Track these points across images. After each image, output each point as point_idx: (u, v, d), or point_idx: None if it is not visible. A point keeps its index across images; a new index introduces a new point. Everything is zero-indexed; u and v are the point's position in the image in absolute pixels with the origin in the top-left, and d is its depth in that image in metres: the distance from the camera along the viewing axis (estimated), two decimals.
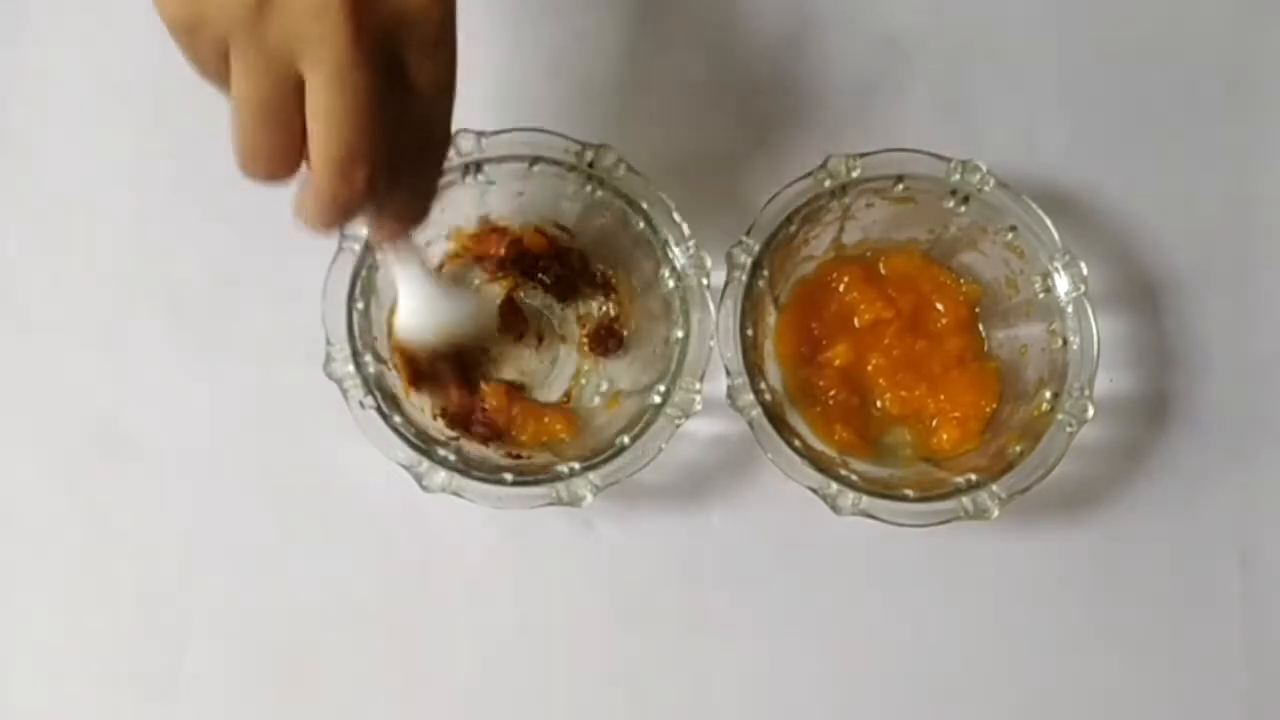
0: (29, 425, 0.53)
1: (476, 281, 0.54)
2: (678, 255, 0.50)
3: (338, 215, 0.36)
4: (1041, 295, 0.51)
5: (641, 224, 0.50)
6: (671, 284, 0.50)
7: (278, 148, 0.35)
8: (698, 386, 0.48)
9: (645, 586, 0.53)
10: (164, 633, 0.52)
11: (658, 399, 0.49)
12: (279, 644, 0.52)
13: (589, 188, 0.50)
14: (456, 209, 0.51)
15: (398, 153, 0.36)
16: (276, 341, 0.53)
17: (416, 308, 0.47)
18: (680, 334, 0.49)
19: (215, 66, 0.34)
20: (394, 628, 0.53)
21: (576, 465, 0.48)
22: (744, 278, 0.49)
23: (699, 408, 0.48)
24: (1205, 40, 0.59)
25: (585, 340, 0.54)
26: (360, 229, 0.48)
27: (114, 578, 0.53)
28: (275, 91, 0.34)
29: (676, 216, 0.49)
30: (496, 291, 0.54)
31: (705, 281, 0.49)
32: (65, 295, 0.54)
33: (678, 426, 0.48)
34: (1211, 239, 0.57)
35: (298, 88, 0.34)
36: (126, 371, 0.54)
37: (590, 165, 0.49)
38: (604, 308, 0.54)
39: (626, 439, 0.48)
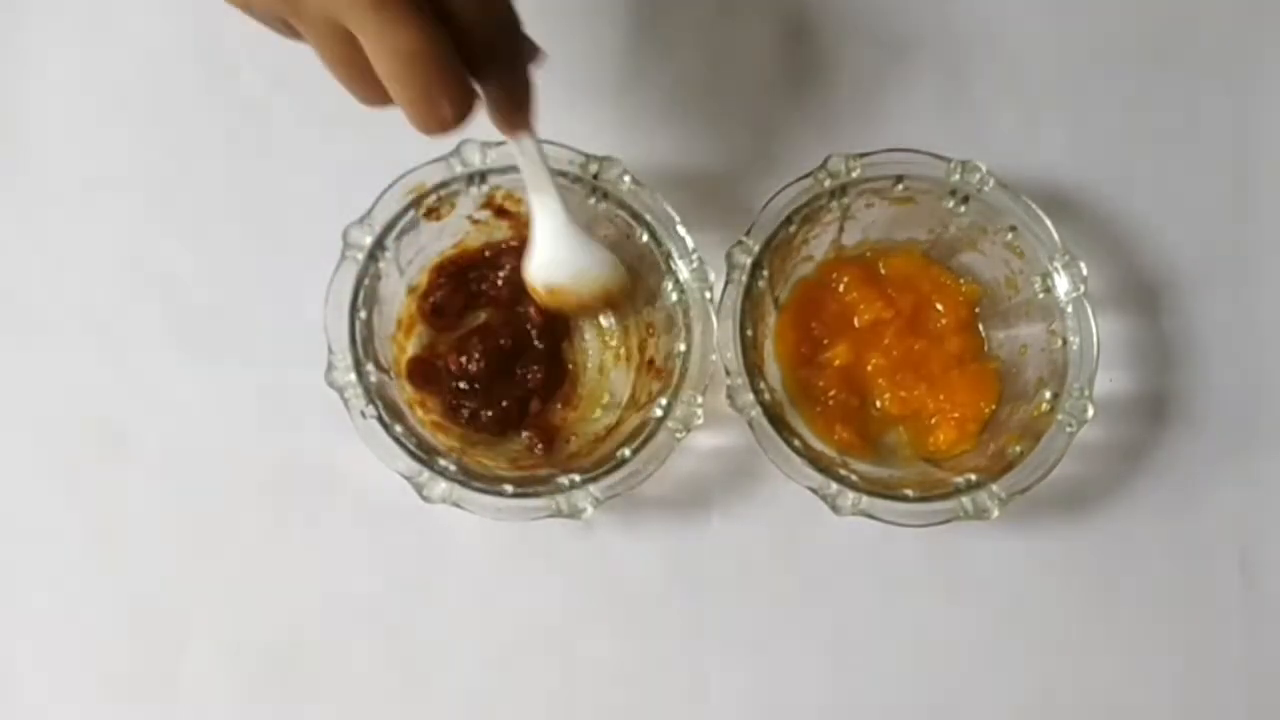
0: (29, 425, 0.53)
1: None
2: (681, 269, 0.50)
3: (443, 134, 0.38)
4: (1041, 295, 0.51)
5: (645, 237, 0.50)
6: (675, 297, 0.50)
7: (371, 87, 0.37)
8: (699, 400, 0.48)
9: (645, 588, 0.53)
10: (164, 633, 0.52)
11: (659, 412, 0.49)
12: (278, 645, 0.52)
13: (593, 200, 0.50)
14: (459, 219, 0.51)
15: (475, 58, 0.38)
16: (276, 343, 0.53)
17: (553, 245, 0.48)
18: (682, 347, 0.49)
19: (284, 32, 0.38)
20: (394, 629, 0.53)
21: (577, 477, 0.48)
22: (744, 278, 0.49)
23: (700, 421, 0.48)
24: (1205, 40, 0.59)
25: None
26: (364, 238, 0.48)
27: (113, 577, 0.53)
28: (342, 51, 0.36)
29: (681, 230, 0.50)
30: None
31: (708, 295, 0.49)
32: (65, 295, 0.54)
33: (679, 440, 0.48)
34: (1211, 239, 0.57)
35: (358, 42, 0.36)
36: (126, 371, 0.54)
37: (595, 177, 0.49)
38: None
39: (628, 451, 0.48)
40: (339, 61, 0.37)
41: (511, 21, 0.40)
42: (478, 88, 0.39)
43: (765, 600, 0.54)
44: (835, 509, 0.48)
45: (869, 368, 0.53)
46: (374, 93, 0.38)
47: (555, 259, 0.49)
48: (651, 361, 0.52)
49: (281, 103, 0.55)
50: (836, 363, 0.53)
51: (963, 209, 0.51)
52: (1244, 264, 0.57)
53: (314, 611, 0.53)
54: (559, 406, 0.53)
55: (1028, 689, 0.54)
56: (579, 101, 0.56)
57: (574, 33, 0.57)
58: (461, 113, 0.38)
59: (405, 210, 0.49)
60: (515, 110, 0.43)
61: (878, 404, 0.54)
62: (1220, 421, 0.56)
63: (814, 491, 0.48)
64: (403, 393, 0.51)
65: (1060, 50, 0.58)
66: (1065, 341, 0.51)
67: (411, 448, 0.48)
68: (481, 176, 0.49)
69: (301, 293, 0.49)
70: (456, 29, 0.37)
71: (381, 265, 0.49)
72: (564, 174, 0.49)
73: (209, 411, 0.53)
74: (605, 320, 0.55)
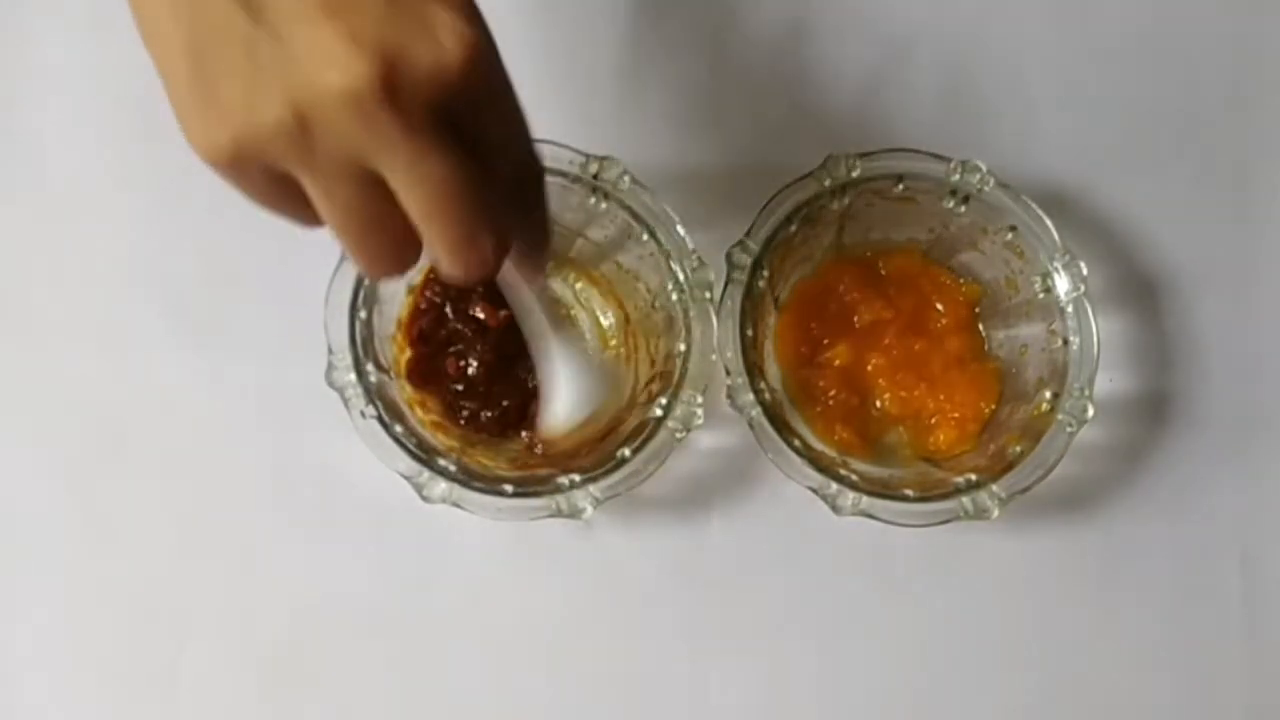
0: (29, 425, 0.53)
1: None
2: (681, 269, 0.50)
3: (485, 278, 0.35)
4: (1041, 295, 0.51)
5: (645, 237, 0.50)
6: (674, 297, 0.50)
7: (390, 246, 0.33)
8: (699, 400, 0.48)
9: (645, 588, 0.53)
10: (163, 632, 0.52)
11: (659, 412, 0.49)
12: (278, 645, 0.53)
13: (593, 200, 0.50)
14: None
15: (500, 200, 0.34)
16: (276, 343, 0.53)
17: (577, 384, 0.46)
18: (682, 347, 0.49)
19: (272, 197, 0.33)
20: (394, 628, 0.53)
21: (577, 477, 0.48)
22: (744, 278, 0.49)
23: (700, 421, 0.48)
24: (1205, 41, 0.59)
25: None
26: None
27: (114, 577, 0.53)
28: (360, 197, 0.32)
29: (680, 230, 0.49)
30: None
31: (708, 295, 0.49)
32: (65, 295, 0.54)
33: (679, 440, 0.48)
34: (1211, 239, 0.57)
35: (379, 183, 0.32)
36: (126, 371, 0.54)
37: (595, 177, 0.49)
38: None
39: (628, 451, 0.48)
40: (357, 213, 0.32)
41: (538, 160, 0.37)
42: None
43: (765, 600, 0.54)
44: (835, 509, 0.48)
45: (869, 368, 0.53)
46: (393, 251, 0.33)
47: (582, 396, 0.47)
48: (652, 361, 0.52)
49: None
50: (836, 363, 0.53)
51: (963, 209, 0.51)
52: (1244, 264, 0.57)
53: (314, 611, 0.53)
54: None
55: (1028, 689, 0.54)
56: (579, 101, 0.56)
57: (574, 32, 0.57)
58: (502, 251, 0.34)
59: None
60: (535, 254, 0.40)
61: (878, 404, 0.54)
62: (1220, 421, 0.56)
63: (814, 491, 0.48)
64: (403, 393, 0.51)
65: (1060, 50, 0.58)
66: (1065, 341, 0.51)
67: (411, 448, 0.48)
68: None
69: (301, 293, 0.49)
70: (487, 164, 0.33)
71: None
72: (564, 174, 0.49)
73: (209, 411, 0.53)
74: (605, 319, 0.55)
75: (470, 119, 0.32)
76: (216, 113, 0.31)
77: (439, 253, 0.33)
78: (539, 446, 0.52)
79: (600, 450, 0.50)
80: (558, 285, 0.55)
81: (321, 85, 0.29)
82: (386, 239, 0.33)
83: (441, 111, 0.31)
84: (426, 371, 0.52)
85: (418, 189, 0.31)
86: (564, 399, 0.47)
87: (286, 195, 0.32)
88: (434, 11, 0.31)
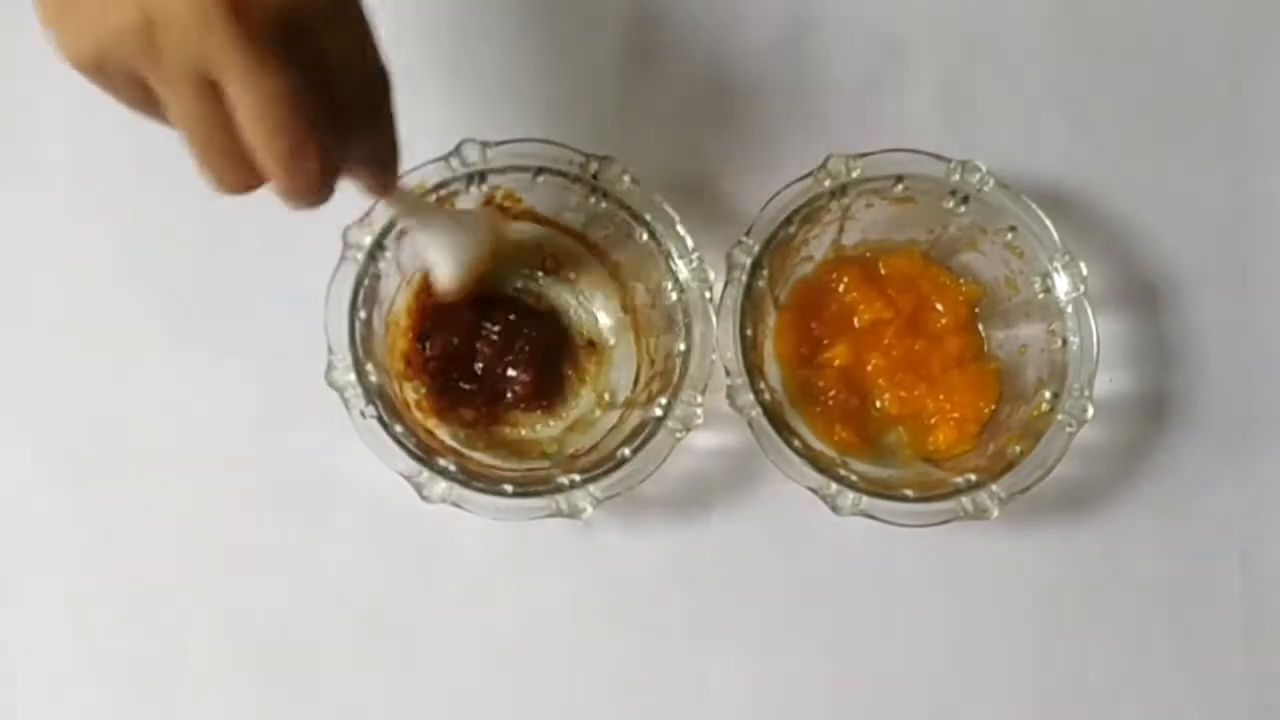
0: (29, 425, 0.53)
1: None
2: (681, 268, 0.50)
3: (310, 198, 0.36)
4: (1041, 295, 0.51)
5: (645, 236, 0.50)
6: (674, 296, 0.50)
7: (232, 158, 0.34)
8: (699, 399, 0.48)
9: (645, 588, 0.53)
10: (164, 632, 0.52)
11: (659, 411, 0.49)
12: (278, 645, 0.52)
13: (593, 199, 0.50)
14: None
15: (343, 116, 0.36)
16: (276, 343, 0.53)
17: (448, 250, 0.47)
18: (682, 347, 0.49)
19: (136, 99, 0.34)
20: (394, 628, 0.53)
21: (577, 477, 0.48)
22: (744, 278, 0.49)
23: (700, 421, 0.48)
24: (1205, 40, 0.59)
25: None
26: (363, 238, 0.48)
27: (114, 577, 0.53)
28: (202, 107, 0.33)
29: (680, 229, 0.50)
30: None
31: (708, 294, 0.49)
32: (65, 295, 0.54)
33: (679, 439, 0.48)
34: (1211, 239, 0.57)
35: (220, 95, 0.33)
36: (126, 371, 0.54)
37: (594, 176, 0.49)
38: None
39: (627, 451, 0.48)
40: (198, 119, 0.34)
41: (384, 76, 0.38)
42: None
43: (765, 600, 0.54)
44: (835, 509, 0.48)
45: (869, 368, 0.53)
46: (235, 165, 0.35)
47: (455, 246, 0.48)
48: (652, 361, 0.52)
49: None
50: (836, 363, 0.53)
51: (962, 209, 0.51)
52: (1244, 264, 0.57)
53: (314, 611, 0.53)
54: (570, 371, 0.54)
55: (1028, 689, 0.54)
56: (579, 101, 0.56)
57: (574, 32, 0.57)
58: (329, 173, 0.36)
59: None
60: (383, 172, 0.41)
61: (878, 404, 0.54)
62: (1220, 421, 0.56)
63: (814, 491, 0.48)
64: (402, 393, 0.51)
65: (1060, 50, 0.58)
66: (1065, 341, 0.51)
67: (411, 447, 0.48)
68: (481, 176, 0.49)
69: (301, 293, 0.49)
70: (329, 81, 0.35)
71: (381, 265, 0.49)
72: (564, 174, 0.49)
73: (209, 411, 0.53)
74: (606, 319, 0.55)
75: (312, 34, 0.34)
76: (76, 20, 0.33)
77: (267, 167, 0.34)
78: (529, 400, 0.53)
79: (600, 450, 0.50)
80: (552, 282, 0.55)
81: None
82: (228, 153, 0.34)
83: (283, 25, 0.33)
84: (412, 358, 0.52)
85: (248, 100, 0.33)
86: (440, 257, 0.48)
87: (148, 101, 0.34)
88: None
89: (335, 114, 0.35)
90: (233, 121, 0.34)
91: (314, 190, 0.36)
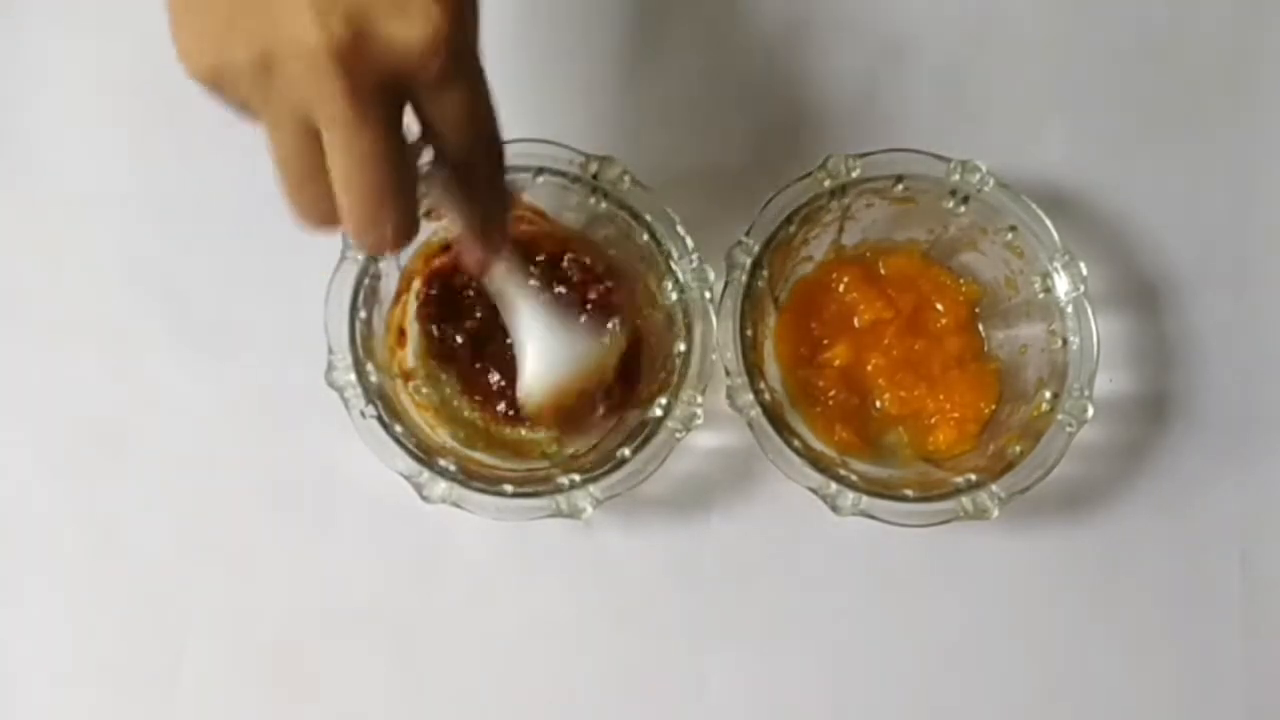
0: (29, 425, 0.53)
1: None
2: (681, 269, 0.50)
3: (380, 253, 0.37)
4: (1041, 295, 0.51)
5: (645, 237, 0.50)
6: (674, 297, 0.50)
7: (319, 199, 0.35)
8: (699, 400, 0.48)
9: (645, 588, 0.53)
10: (164, 633, 0.52)
11: (659, 412, 0.49)
12: (278, 645, 0.53)
13: (593, 200, 0.50)
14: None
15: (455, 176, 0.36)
16: (276, 343, 0.53)
17: (543, 353, 0.46)
18: (683, 347, 0.49)
19: (241, 114, 0.35)
20: (394, 628, 0.53)
21: (577, 477, 0.48)
22: (744, 278, 0.49)
23: (700, 421, 0.48)
24: (1205, 40, 0.59)
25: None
26: None
27: (114, 577, 0.53)
28: (300, 146, 0.34)
29: (680, 230, 0.50)
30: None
31: (708, 295, 0.49)
32: (65, 295, 0.54)
33: (679, 439, 0.48)
34: (1211, 239, 0.57)
35: (319, 141, 0.34)
36: (126, 371, 0.54)
37: (595, 177, 0.49)
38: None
39: (627, 451, 0.48)
40: (294, 157, 0.34)
41: (498, 144, 0.38)
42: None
43: (765, 600, 0.54)
44: (835, 509, 0.48)
45: (869, 368, 0.53)
46: (320, 207, 0.35)
47: (552, 359, 0.47)
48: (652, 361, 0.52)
49: None
50: (836, 363, 0.53)
51: (962, 209, 0.51)
52: (1244, 264, 0.57)
53: (314, 611, 0.53)
54: None
55: (1028, 689, 0.54)
56: (578, 101, 0.56)
57: (574, 32, 0.57)
58: (401, 234, 0.36)
59: None
60: (481, 246, 0.41)
61: (878, 404, 0.54)
62: (1220, 421, 0.56)
63: (814, 491, 0.48)
64: (402, 394, 0.51)
65: (1060, 50, 0.58)
66: (1065, 341, 0.51)
67: (411, 447, 0.48)
68: None
69: (301, 293, 0.49)
70: (441, 143, 0.36)
71: (381, 265, 0.49)
72: (564, 174, 0.49)
73: (209, 411, 0.53)
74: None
75: (423, 100, 0.35)
76: (200, 39, 0.34)
77: (345, 218, 0.35)
78: (529, 424, 0.52)
79: (600, 450, 0.50)
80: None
81: (287, 37, 0.32)
82: (317, 194, 0.35)
83: (391, 88, 0.34)
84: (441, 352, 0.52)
85: (343, 155, 0.34)
86: (533, 363, 0.47)
87: (251, 117, 0.35)
88: None
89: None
90: (325, 167, 0.34)
91: (384, 248, 0.36)
